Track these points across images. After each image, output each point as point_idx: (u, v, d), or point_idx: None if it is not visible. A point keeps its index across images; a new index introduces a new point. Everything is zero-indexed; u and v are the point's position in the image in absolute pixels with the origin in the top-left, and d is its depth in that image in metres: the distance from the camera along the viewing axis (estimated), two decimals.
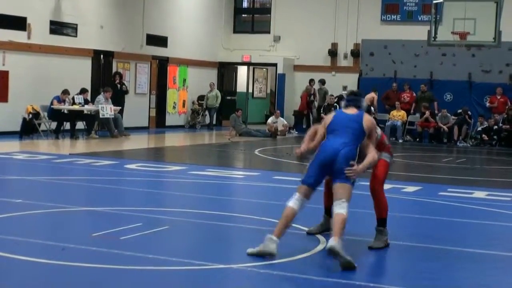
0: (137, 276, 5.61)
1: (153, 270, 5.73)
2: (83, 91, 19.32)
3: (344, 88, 25.04)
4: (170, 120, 24.89)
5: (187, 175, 12.13)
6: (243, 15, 29.00)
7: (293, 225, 7.56)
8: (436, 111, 22.78)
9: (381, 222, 6.86)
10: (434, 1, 19.82)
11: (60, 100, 18.62)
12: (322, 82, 24.94)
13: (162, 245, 6.72)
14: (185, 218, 8.13)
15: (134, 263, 5.90)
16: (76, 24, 20.51)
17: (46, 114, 18.76)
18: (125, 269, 5.74)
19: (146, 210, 8.48)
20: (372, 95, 22.58)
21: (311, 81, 24.81)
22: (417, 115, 23.06)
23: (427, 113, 22.41)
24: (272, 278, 5.64)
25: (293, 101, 26.18)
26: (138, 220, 7.62)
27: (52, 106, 18.45)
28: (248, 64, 27.63)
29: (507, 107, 22.29)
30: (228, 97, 27.53)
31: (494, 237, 7.64)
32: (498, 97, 22.85)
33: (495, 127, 21.71)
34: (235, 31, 28.05)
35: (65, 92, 18.72)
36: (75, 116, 18.82)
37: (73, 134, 18.54)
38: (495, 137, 21.70)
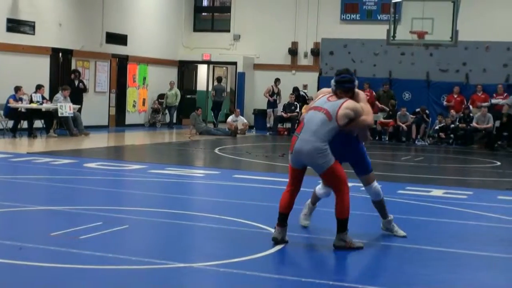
0: (97, 275, 5.58)
1: (113, 270, 5.71)
2: (38, 87, 19.10)
3: (304, 86, 25.20)
4: (130, 118, 24.76)
5: (147, 174, 12.08)
6: (203, 14, 28.96)
7: (255, 224, 7.62)
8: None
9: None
10: (393, 1, 20.01)
11: (16, 99, 18.40)
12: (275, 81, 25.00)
13: (122, 244, 6.69)
14: (145, 217, 8.11)
15: (94, 263, 5.87)
16: (34, 22, 20.27)
17: (2, 112, 18.53)
18: (85, 269, 5.71)
19: (105, 209, 8.44)
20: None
21: (277, 80, 24.84)
22: (379, 114, 23.25)
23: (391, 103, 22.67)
24: (232, 276, 5.66)
25: (253, 99, 26.23)
26: (97, 219, 7.57)
27: (9, 105, 18.22)
28: (208, 62, 27.61)
29: (463, 106, 22.61)
30: (188, 96, 27.48)
31: (451, 234, 7.75)
32: (455, 96, 23.17)
33: (452, 125, 22.01)
34: (195, 30, 28.01)
35: (18, 88, 18.45)
36: (32, 114, 18.62)
37: (31, 132, 18.34)
38: (451, 135, 22.00)
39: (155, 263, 5.93)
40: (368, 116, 6.79)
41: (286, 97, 24.29)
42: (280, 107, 24.40)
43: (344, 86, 6.81)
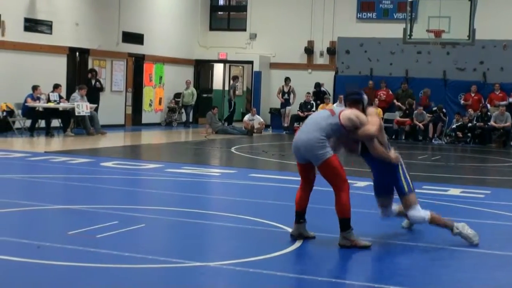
0: (114, 274, 5.60)
1: (130, 268, 5.72)
2: (56, 86, 19.18)
3: (322, 84, 25.04)
4: (146, 117, 24.81)
5: (163, 173, 12.11)
6: (219, 13, 28.96)
7: (272, 223, 7.63)
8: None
9: None
10: None
11: (34, 98, 18.49)
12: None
13: (139, 243, 6.71)
14: (162, 216, 8.13)
15: (110, 262, 5.89)
16: (51, 21, 20.36)
17: (20, 112, 18.63)
18: (101, 268, 5.73)
19: (122, 208, 8.46)
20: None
21: (287, 79, 24.80)
22: (396, 113, 23.16)
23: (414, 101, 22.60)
24: (248, 275, 5.66)
25: (269, 99, 26.21)
26: (114, 218, 7.59)
27: (26, 104, 18.31)
28: (224, 61, 27.62)
29: (481, 104, 22.49)
30: (205, 95, 27.50)
31: None
32: (472, 95, 23.05)
33: (469, 124, 21.89)
34: (211, 29, 28.02)
35: (36, 87, 18.54)
36: (50, 113, 18.70)
37: (48, 131, 18.42)
38: (469, 134, 21.88)
39: (172, 262, 5.94)
40: (373, 126, 6.81)
41: (302, 96, 24.24)
42: (296, 106, 24.34)
43: (351, 97, 7.06)
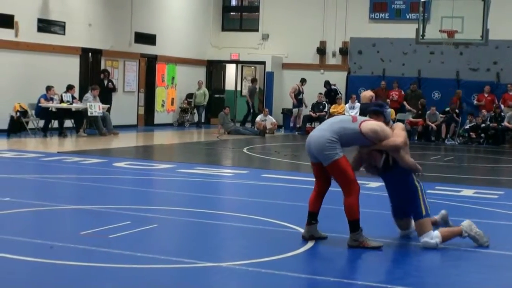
0: (126, 274, 5.61)
1: (142, 269, 5.73)
2: (69, 87, 19.26)
3: (333, 84, 24.89)
4: (158, 118, 24.86)
5: (175, 173, 12.12)
6: (232, 13, 28.98)
7: (284, 223, 7.62)
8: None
9: None
10: None
11: (47, 98, 18.56)
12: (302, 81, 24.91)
13: (151, 244, 6.72)
14: (174, 216, 8.14)
15: (123, 262, 5.90)
16: (64, 22, 20.44)
17: (34, 112, 18.70)
18: (114, 268, 5.74)
19: (134, 208, 8.48)
20: (370, 93, 22.54)
21: (304, 80, 24.71)
22: (407, 113, 23.10)
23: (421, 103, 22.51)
24: (260, 276, 5.65)
25: (281, 99, 26.19)
26: (126, 219, 7.61)
27: (40, 104, 18.39)
28: (237, 62, 27.63)
29: (494, 105, 22.39)
30: (217, 95, 27.52)
31: None
32: (486, 95, 22.96)
33: (483, 125, 21.80)
34: (223, 29, 28.04)
35: (49, 88, 18.61)
36: (63, 114, 18.77)
37: (61, 132, 18.49)
38: (482, 135, 21.79)
39: (184, 262, 5.95)
40: (398, 137, 6.74)
41: (314, 96, 24.21)
42: (308, 107, 24.30)
43: (373, 108, 7.04)
